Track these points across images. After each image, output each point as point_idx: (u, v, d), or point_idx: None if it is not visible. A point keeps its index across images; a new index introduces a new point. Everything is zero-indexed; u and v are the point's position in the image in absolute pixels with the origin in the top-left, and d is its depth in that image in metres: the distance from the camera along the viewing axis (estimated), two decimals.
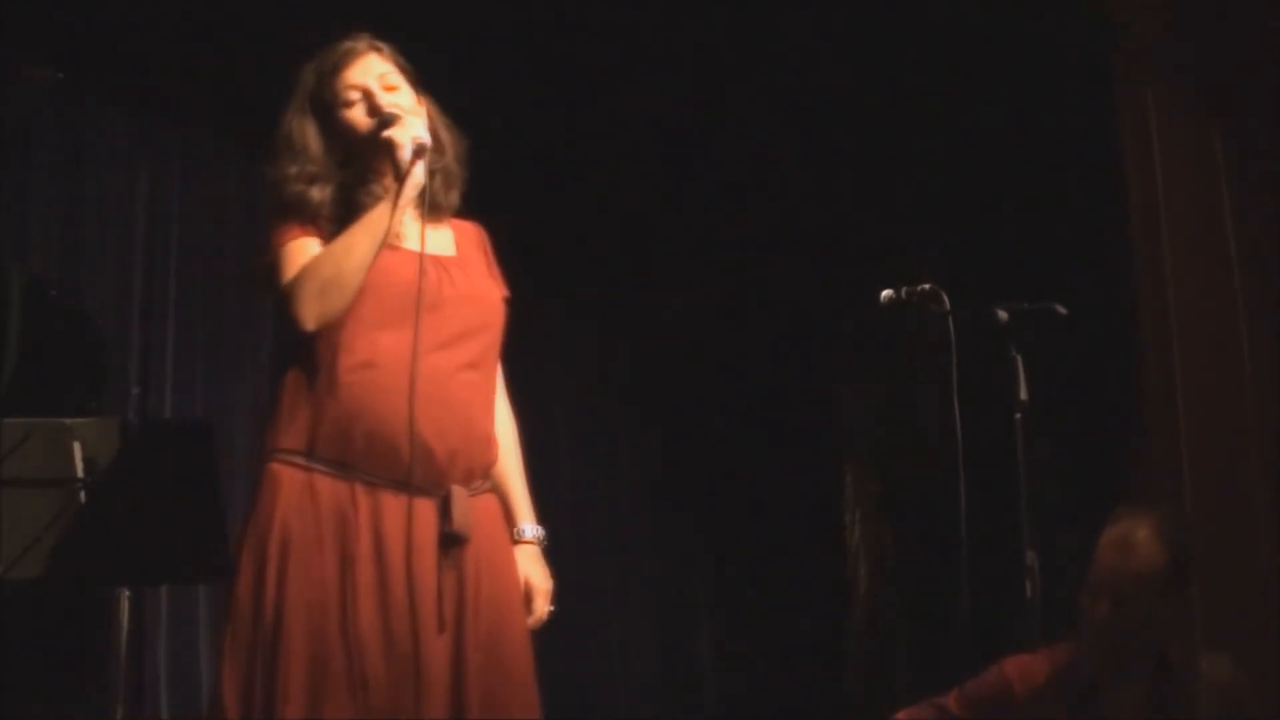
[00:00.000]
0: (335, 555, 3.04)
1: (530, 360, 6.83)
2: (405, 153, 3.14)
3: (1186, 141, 5.11)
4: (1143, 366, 5.14)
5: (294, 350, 3.15)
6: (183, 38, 5.61)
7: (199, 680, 5.62)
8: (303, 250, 3.13)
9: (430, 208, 3.26)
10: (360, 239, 3.11)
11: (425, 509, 3.11)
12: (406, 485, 3.08)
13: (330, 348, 3.10)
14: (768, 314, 7.11)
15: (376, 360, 3.09)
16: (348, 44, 3.30)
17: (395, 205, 3.13)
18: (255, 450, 5.94)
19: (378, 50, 3.31)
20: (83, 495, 3.94)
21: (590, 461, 7.10)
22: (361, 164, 3.23)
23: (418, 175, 3.15)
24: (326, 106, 3.26)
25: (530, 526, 3.43)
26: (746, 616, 7.17)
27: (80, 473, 3.94)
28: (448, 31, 5.44)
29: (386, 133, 3.16)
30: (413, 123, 3.19)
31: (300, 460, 3.09)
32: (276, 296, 3.12)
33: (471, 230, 3.43)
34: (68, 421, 3.99)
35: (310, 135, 3.26)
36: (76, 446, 3.94)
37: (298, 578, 3.01)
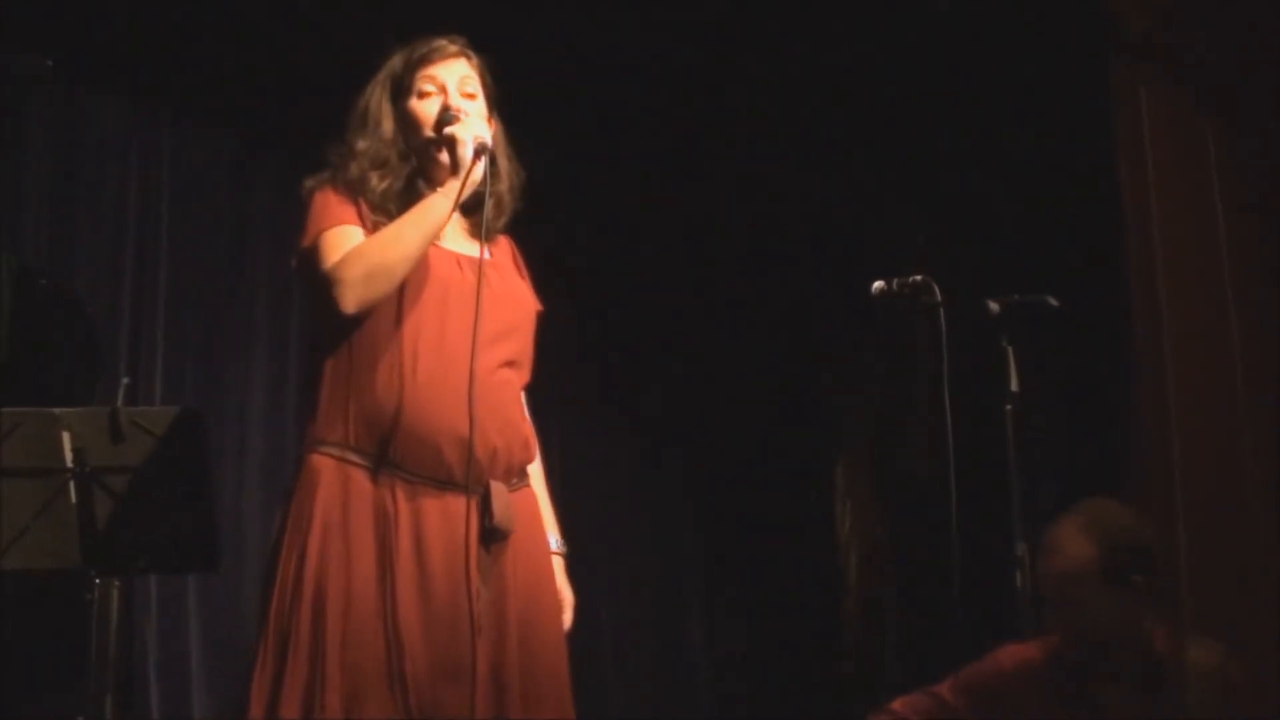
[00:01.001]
0: (375, 551, 3.05)
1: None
2: (467, 150, 3.16)
3: (1179, 136, 5.12)
4: (1134, 358, 5.15)
5: (331, 339, 3.16)
6: (175, 27, 5.60)
7: (189, 670, 5.62)
8: (346, 237, 3.14)
9: (474, 225, 3.29)
10: (412, 229, 3.13)
11: (465, 506, 3.11)
12: (448, 482, 3.10)
13: (371, 341, 3.12)
14: (759, 306, 7.11)
15: (419, 357, 3.11)
16: (442, 41, 3.34)
17: (452, 201, 3.16)
18: (245, 439, 5.97)
19: (468, 57, 3.35)
20: (72, 485, 3.93)
21: (580, 457, 7.09)
22: (420, 161, 3.26)
23: (476, 173, 3.18)
24: (404, 93, 3.30)
25: (554, 538, 3.45)
26: (739, 607, 7.17)
27: (69, 463, 3.92)
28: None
29: (449, 129, 3.19)
30: (476, 123, 3.23)
31: (339, 453, 3.10)
32: (316, 279, 3.12)
33: (502, 241, 3.47)
34: (57, 411, 3.97)
35: (386, 116, 3.29)
36: (66, 437, 3.93)
37: (338, 573, 3.02)
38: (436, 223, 3.16)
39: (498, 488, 3.15)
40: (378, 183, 3.22)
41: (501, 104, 3.40)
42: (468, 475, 3.08)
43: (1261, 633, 4.63)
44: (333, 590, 3.00)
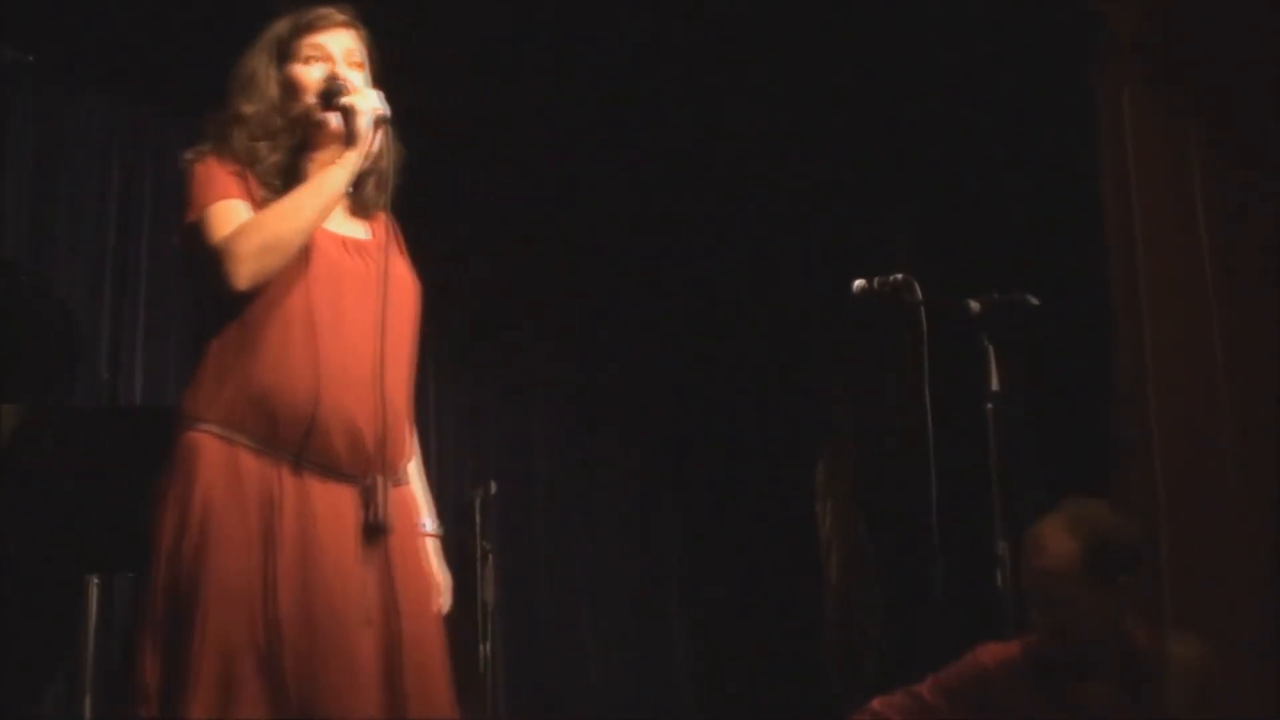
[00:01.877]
0: (259, 535, 2.95)
1: (504, 357, 6.86)
2: (364, 120, 3.09)
3: (1161, 136, 5.13)
4: (1115, 357, 5.16)
5: (218, 318, 3.06)
6: (155, 22, 5.59)
7: None
8: (234, 212, 3.05)
9: (355, 203, 3.22)
10: (309, 201, 3.05)
11: (350, 496, 3.04)
12: (336, 472, 3.02)
13: (260, 320, 3.02)
14: (740, 305, 7.11)
15: (317, 341, 3.02)
16: (328, 9, 3.26)
17: (350, 173, 3.08)
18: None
19: (355, 28, 3.27)
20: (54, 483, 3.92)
21: (563, 458, 7.10)
22: (302, 130, 3.17)
23: (373, 145, 3.10)
24: (287, 58, 3.22)
25: (431, 520, 3.36)
26: (720, 607, 7.17)
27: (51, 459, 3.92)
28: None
29: (346, 99, 3.11)
30: (372, 94, 3.14)
31: (224, 432, 3.00)
32: (206, 254, 3.00)
33: (382, 219, 3.33)
34: (38, 407, 3.97)
35: (270, 81, 3.21)
36: (46, 432, 3.93)
37: (217, 556, 2.91)
38: (334, 195, 3.07)
39: (382, 483, 3.06)
40: (267, 154, 3.13)
41: (384, 79, 3.30)
42: (340, 458, 3.00)
43: (1242, 631, 4.65)
44: (211, 573, 2.90)
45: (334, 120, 3.14)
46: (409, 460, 3.24)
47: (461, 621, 5.84)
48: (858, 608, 6.64)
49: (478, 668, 5.43)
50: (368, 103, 3.11)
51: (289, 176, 3.13)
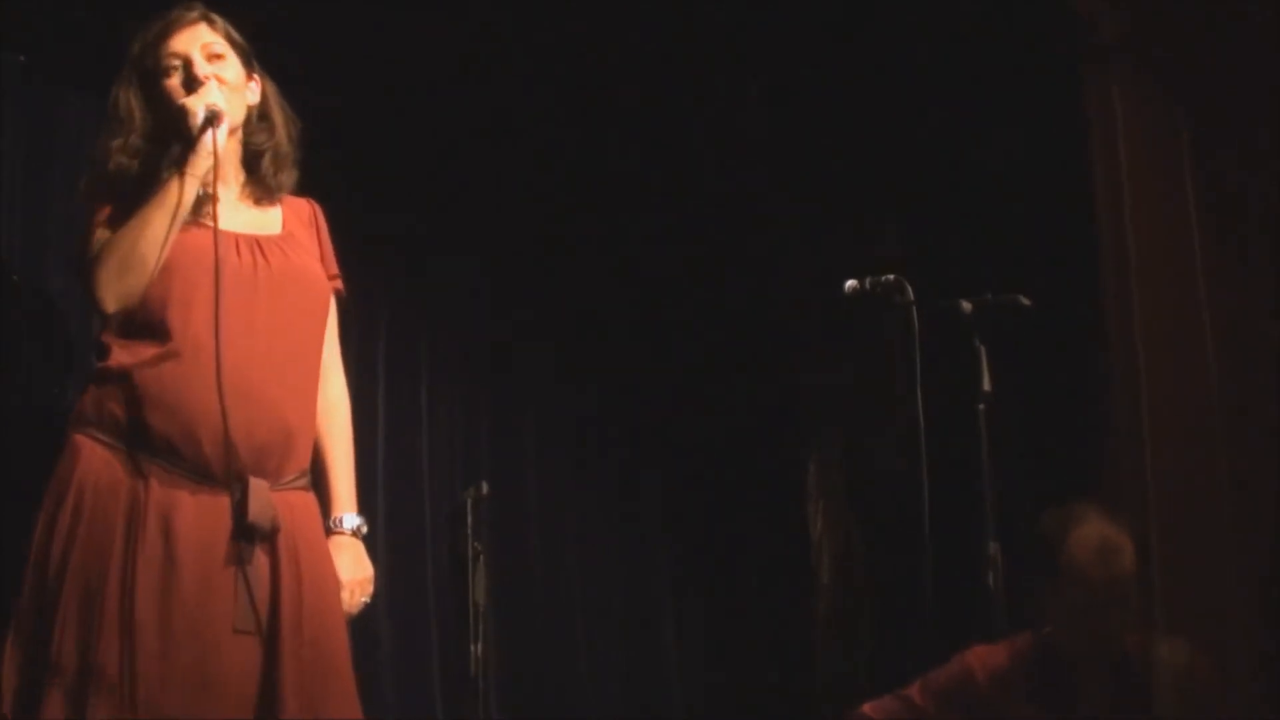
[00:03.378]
0: (123, 539, 2.92)
1: (496, 357, 6.85)
2: (196, 119, 3.05)
3: (1152, 136, 5.12)
4: (1107, 358, 5.16)
5: (108, 326, 3.07)
6: (146, 21, 5.57)
7: None
8: (96, 235, 3.06)
9: (258, 186, 3.21)
10: (154, 214, 3.01)
11: (221, 502, 2.99)
12: (206, 475, 2.98)
13: (135, 328, 3.02)
14: (731, 305, 7.10)
15: (180, 345, 2.99)
16: (176, 11, 3.22)
17: (185, 177, 3.03)
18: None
19: (209, 21, 3.24)
20: None
21: (555, 454, 7.08)
22: (180, 138, 3.12)
23: (209, 144, 3.05)
24: (150, 76, 3.18)
25: (348, 515, 3.32)
26: (710, 609, 7.17)
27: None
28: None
29: (181, 99, 3.09)
30: (211, 89, 3.10)
31: (102, 435, 2.99)
32: (81, 282, 3.04)
33: (304, 207, 3.34)
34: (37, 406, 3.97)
35: (135, 106, 3.18)
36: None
37: (81, 554, 2.91)
38: (180, 202, 3.02)
39: (257, 485, 3.01)
40: (139, 169, 3.11)
41: (264, 55, 3.29)
42: (210, 463, 2.96)
43: (1231, 634, 4.65)
44: (73, 576, 2.89)
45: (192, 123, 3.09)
46: (302, 464, 3.18)
47: (453, 622, 5.85)
48: (849, 609, 6.64)
49: (469, 669, 5.42)
50: (199, 101, 3.07)
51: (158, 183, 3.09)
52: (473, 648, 5.41)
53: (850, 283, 3.96)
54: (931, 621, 3.97)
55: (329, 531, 3.27)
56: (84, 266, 3.03)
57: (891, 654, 6.13)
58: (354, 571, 3.29)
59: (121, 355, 3.02)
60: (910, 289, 3.90)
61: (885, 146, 6.34)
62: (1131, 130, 5.13)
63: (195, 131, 3.05)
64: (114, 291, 2.99)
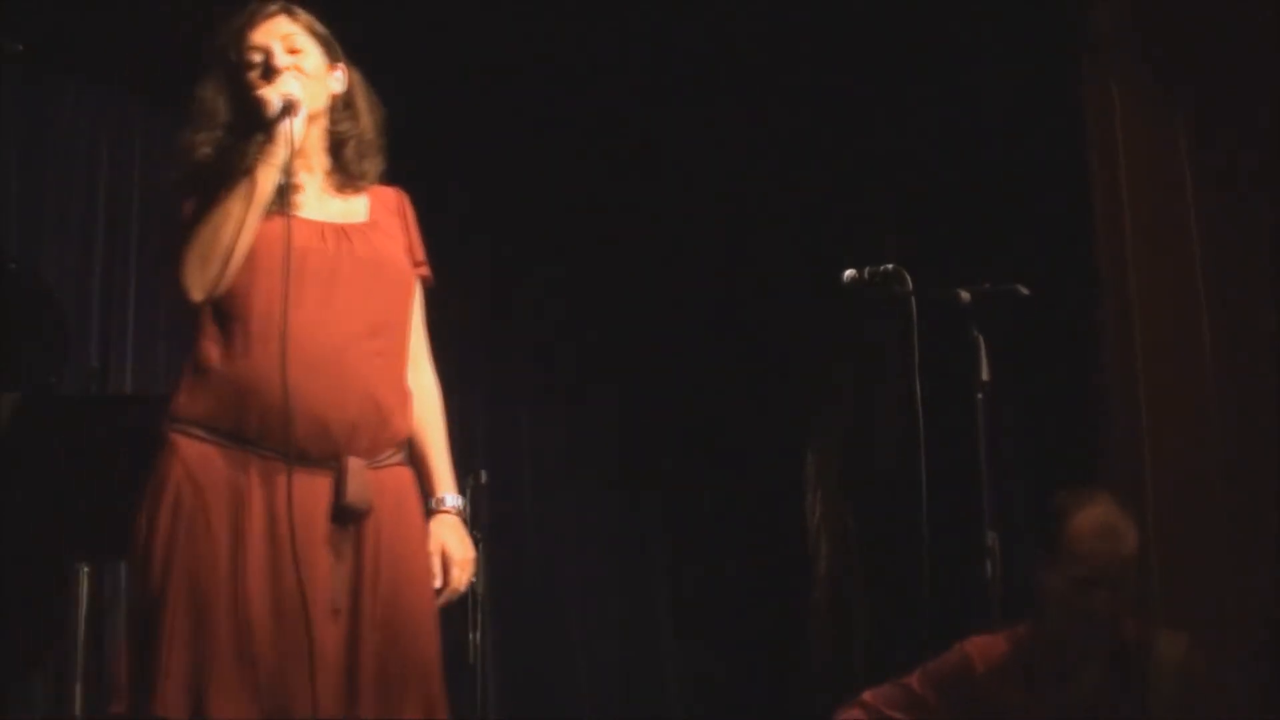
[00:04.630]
0: (227, 530, 2.96)
1: (492, 344, 6.86)
2: (272, 110, 3.07)
3: (1150, 128, 5.13)
4: (1104, 348, 5.17)
5: (197, 321, 3.09)
6: (145, 11, 5.58)
7: None
8: (184, 226, 3.08)
9: (343, 175, 3.23)
10: (233, 205, 3.04)
11: (321, 483, 3.04)
12: (303, 459, 3.01)
13: (225, 319, 3.05)
14: (730, 296, 7.11)
15: (270, 331, 3.02)
16: (257, 4, 3.24)
17: (264, 166, 3.06)
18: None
19: (289, 13, 3.25)
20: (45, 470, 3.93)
21: (553, 445, 7.09)
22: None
23: (285, 134, 3.07)
24: (232, 69, 3.20)
25: (450, 496, 3.36)
26: (708, 598, 7.17)
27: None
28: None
29: (257, 91, 3.11)
30: (287, 79, 3.13)
31: (198, 431, 3.03)
32: (170, 272, 3.06)
33: (391, 196, 3.36)
34: (28, 395, 3.97)
35: (218, 98, 3.19)
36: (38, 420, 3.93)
37: (186, 551, 2.94)
38: (260, 191, 3.05)
39: (355, 464, 3.05)
40: (223, 160, 3.12)
41: (352, 46, 3.30)
42: (297, 444, 2.99)
43: (1228, 627, 4.66)
44: (178, 568, 2.93)
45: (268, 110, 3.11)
46: (396, 440, 3.21)
47: (453, 610, 5.86)
48: (846, 598, 6.65)
49: (468, 656, 5.43)
50: (275, 92, 3.09)
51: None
52: (471, 635, 5.42)
53: (849, 272, 3.95)
54: (929, 611, 3.97)
55: (432, 512, 3.31)
56: (171, 258, 3.06)
57: (889, 644, 6.14)
58: (461, 550, 3.32)
59: (210, 347, 3.07)
60: (909, 278, 3.89)
61: (885, 136, 6.34)
62: (1129, 121, 5.14)
63: (272, 121, 3.07)
64: (198, 282, 3.02)
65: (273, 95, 3.08)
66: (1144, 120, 5.13)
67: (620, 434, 7.24)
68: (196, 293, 3.02)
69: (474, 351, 6.68)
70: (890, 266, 3.92)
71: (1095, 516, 3.49)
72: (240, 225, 3.03)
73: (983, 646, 3.62)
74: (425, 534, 3.25)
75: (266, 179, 3.07)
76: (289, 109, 3.08)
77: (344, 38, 3.31)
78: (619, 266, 7.11)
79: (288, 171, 3.11)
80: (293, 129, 3.08)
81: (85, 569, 4.32)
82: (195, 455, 3.01)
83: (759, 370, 7.10)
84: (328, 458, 3.04)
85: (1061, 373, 5.59)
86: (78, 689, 4.29)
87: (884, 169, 6.44)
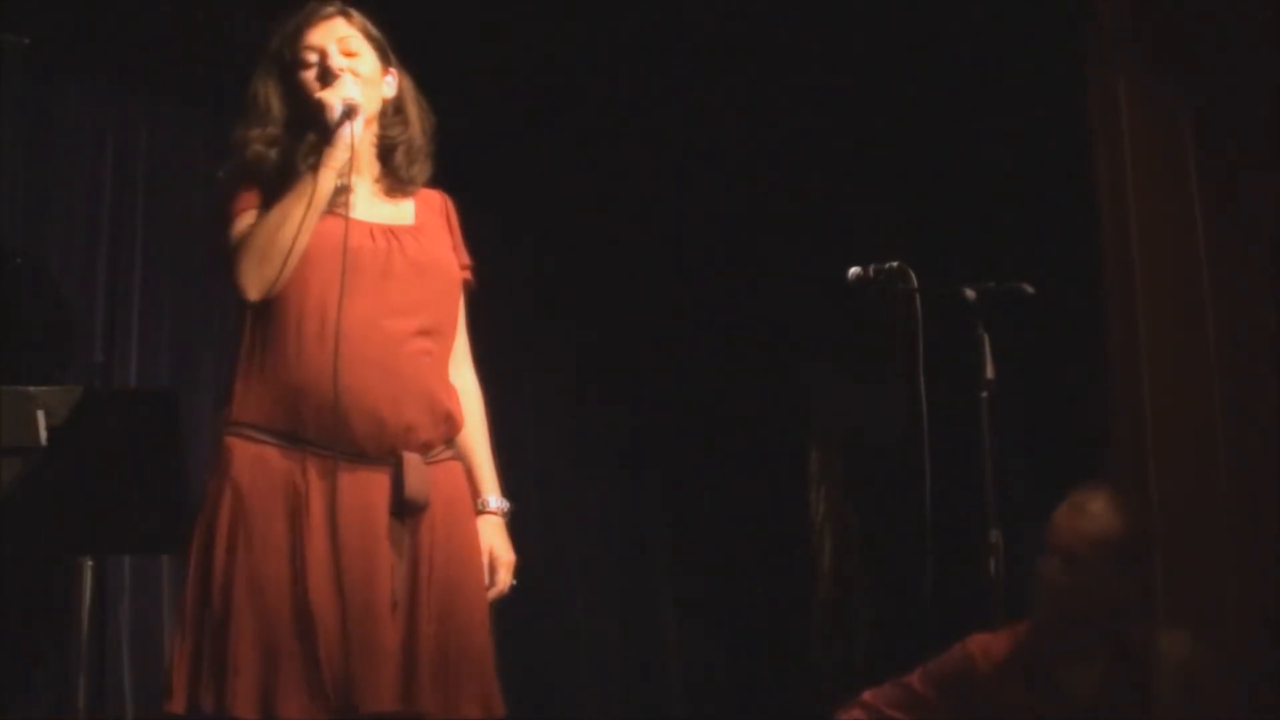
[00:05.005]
0: (287, 529, 3.01)
1: (497, 337, 6.86)
2: (333, 113, 3.11)
3: (1156, 127, 5.12)
4: (1109, 346, 5.16)
5: (246, 322, 3.13)
6: (151, 5, 5.58)
7: (161, 650, 5.60)
8: (237, 225, 3.12)
9: (392, 179, 3.26)
10: (293, 205, 3.08)
11: (379, 480, 3.08)
12: (360, 456, 3.06)
13: (280, 319, 3.08)
14: (734, 292, 7.10)
15: (323, 331, 3.06)
16: (314, 5, 3.27)
17: (331, 168, 3.10)
18: (219, 420, 5.96)
19: (345, 15, 3.28)
20: (46, 464, 3.92)
21: (556, 441, 7.09)
22: (322, 129, 3.18)
23: (346, 137, 3.11)
24: (288, 68, 3.23)
25: (495, 498, 3.40)
26: (710, 594, 7.17)
27: (44, 441, 3.91)
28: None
29: (318, 93, 3.14)
30: (347, 83, 3.16)
31: (253, 433, 3.07)
32: (223, 270, 3.10)
33: (436, 199, 3.40)
34: (31, 390, 3.96)
35: (273, 97, 3.23)
36: (40, 415, 3.92)
37: (247, 553, 2.99)
38: (319, 193, 3.09)
39: (412, 459, 3.10)
40: (277, 158, 3.17)
41: (403, 51, 3.34)
42: (356, 442, 3.05)
43: (1232, 627, 4.65)
44: (241, 570, 2.97)
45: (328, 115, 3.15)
46: (449, 436, 3.26)
47: None
48: (849, 595, 6.65)
49: None
50: (335, 95, 3.13)
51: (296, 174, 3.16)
52: None
53: (854, 270, 3.95)
54: (931, 609, 3.97)
55: (477, 513, 3.35)
56: (225, 256, 3.10)
57: (891, 642, 6.14)
58: (506, 552, 3.37)
59: (262, 348, 3.10)
60: (913, 276, 3.89)
61: (889, 133, 6.34)
62: (1135, 120, 5.13)
63: (332, 124, 3.11)
64: (254, 281, 3.05)
65: (334, 99, 3.12)
66: (1149, 119, 5.12)
67: (623, 431, 7.23)
68: (253, 292, 3.06)
69: (477, 346, 6.68)
70: (895, 264, 3.92)
71: (1076, 496, 3.52)
72: (299, 226, 3.07)
73: (984, 645, 3.62)
74: (476, 529, 3.30)
75: (326, 181, 3.11)
76: (350, 113, 3.12)
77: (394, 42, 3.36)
78: (622, 263, 7.10)
79: (344, 174, 3.15)
80: (353, 133, 3.12)
81: (89, 564, 4.33)
82: (252, 457, 3.06)
83: (763, 367, 7.09)
84: (384, 454, 3.09)
85: (1065, 371, 5.59)
86: (81, 682, 4.30)
87: (889, 167, 6.43)
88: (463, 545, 3.23)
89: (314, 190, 3.08)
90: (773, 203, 6.91)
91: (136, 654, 5.55)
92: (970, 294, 3.88)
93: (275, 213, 3.08)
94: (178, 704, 2.94)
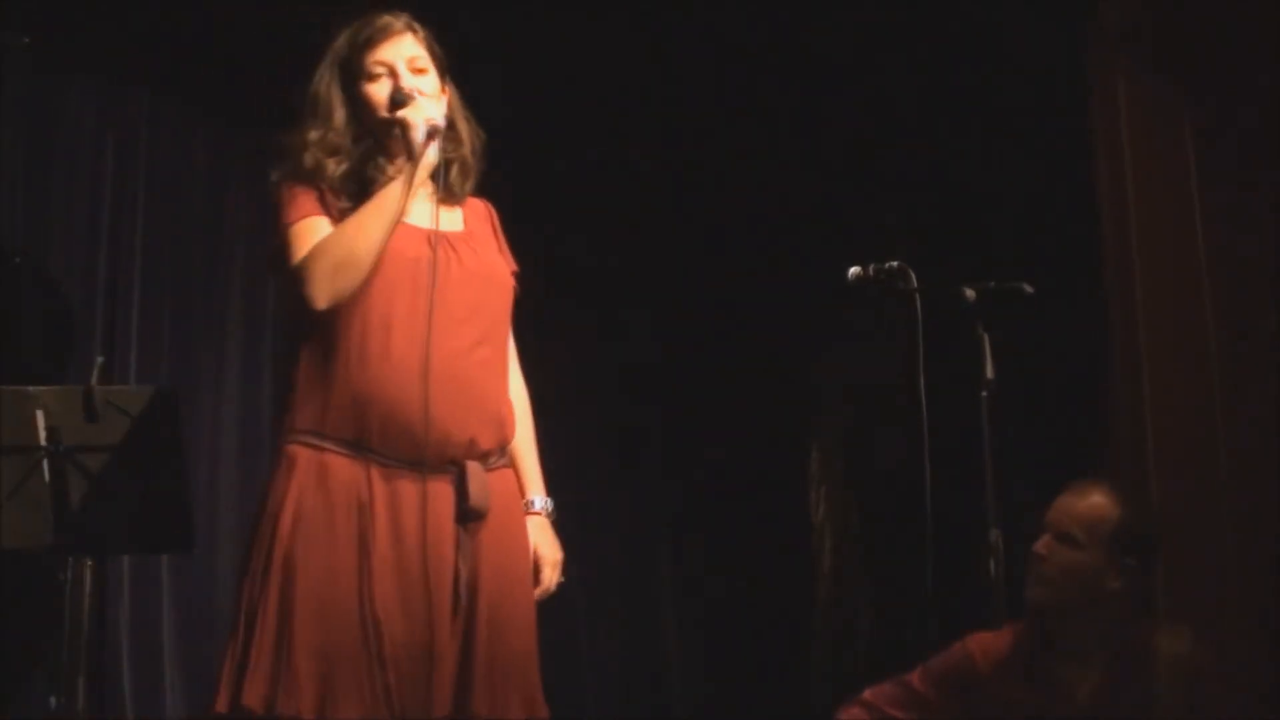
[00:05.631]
0: (351, 537, 3.05)
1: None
2: (418, 133, 3.15)
3: (1157, 127, 5.13)
4: (1109, 346, 5.17)
5: (304, 329, 3.16)
6: (152, 3, 5.58)
7: (161, 650, 5.61)
8: (313, 230, 3.13)
9: (442, 192, 3.28)
10: (373, 219, 3.12)
11: (442, 488, 3.13)
12: (423, 464, 3.09)
13: (343, 327, 3.11)
14: (736, 291, 7.10)
15: (390, 340, 3.10)
16: (386, 19, 3.31)
17: (408, 186, 3.15)
18: (220, 420, 5.96)
19: (414, 32, 3.32)
20: (46, 464, 3.92)
21: (555, 441, 7.09)
22: (375, 142, 3.24)
23: (430, 156, 3.17)
24: (353, 77, 3.27)
25: (540, 498, 3.47)
26: (711, 592, 7.17)
27: (43, 441, 3.92)
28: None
29: (401, 112, 3.17)
30: (427, 104, 3.20)
31: (315, 440, 3.10)
32: (286, 276, 3.11)
33: (480, 207, 3.45)
34: (31, 390, 3.97)
35: (336, 102, 3.27)
36: (40, 415, 3.92)
37: (307, 560, 3.02)
38: (397, 209, 3.14)
39: (474, 469, 3.15)
40: (335, 168, 3.20)
41: (455, 68, 3.39)
42: (424, 452, 3.09)
43: (1232, 625, 4.66)
44: (302, 576, 3.00)
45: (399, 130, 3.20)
46: (505, 443, 3.31)
47: None
48: (849, 595, 6.65)
49: None
50: (420, 115, 3.17)
51: (361, 184, 3.21)
52: None
53: (854, 269, 3.96)
54: (932, 609, 3.97)
55: (524, 512, 3.41)
56: (288, 267, 3.11)
57: (891, 641, 6.14)
58: (551, 551, 3.45)
59: (326, 357, 3.13)
60: (914, 275, 3.89)
61: (890, 133, 6.34)
62: (1136, 120, 5.14)
63: (417, 145, 3.15)
64: (326, 291, 3.06)
65: (417, 119, 3.16)
66: (1150, 119, 5.13)
67: (623, 431, 7.23)
68: (323, 301, 3.07)
69: None
70: (896, 264, 3.92)
71: (1076, 483, 3.53)
72: (378, 241, 3.11)
73: (985, 644, 3.62)
74: (526, 532, 3.36)
75: (406, 199, 3.15)
76: (433, 134, 3.17)
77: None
78: (622, 264, 7.10)
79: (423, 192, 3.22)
80: (433, 152, 3.18)
81: (89, 564, 4.32)
82: (316, 465, 3.08)
83: (764, 366, 7.09)
84: (446, 463, 3.13)
85: (1066, 371, 5.59)
86: (80, 680, 4.30)
87: (890, 167, 6.43)
88: (514, 549, 3.29)
89: (393, 208, 3.13)
90: (773, 203, 6.91)
91: (136, 654, 5.55)
92: (970, 294, 3.88)
93: (351, 226, 3.12)
94: (252, 697, 2.95)
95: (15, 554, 4.18)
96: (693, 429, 7.23)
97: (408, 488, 3.08)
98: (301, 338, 3.17)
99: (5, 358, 4.69)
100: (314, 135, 3.23)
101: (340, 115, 3.26)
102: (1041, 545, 3.51)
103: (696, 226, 7.07)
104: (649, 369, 7.17)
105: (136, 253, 5.83)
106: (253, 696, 2.94)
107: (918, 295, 3.87)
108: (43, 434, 3.93)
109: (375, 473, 3.09)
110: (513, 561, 3.26)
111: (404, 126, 3.16)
